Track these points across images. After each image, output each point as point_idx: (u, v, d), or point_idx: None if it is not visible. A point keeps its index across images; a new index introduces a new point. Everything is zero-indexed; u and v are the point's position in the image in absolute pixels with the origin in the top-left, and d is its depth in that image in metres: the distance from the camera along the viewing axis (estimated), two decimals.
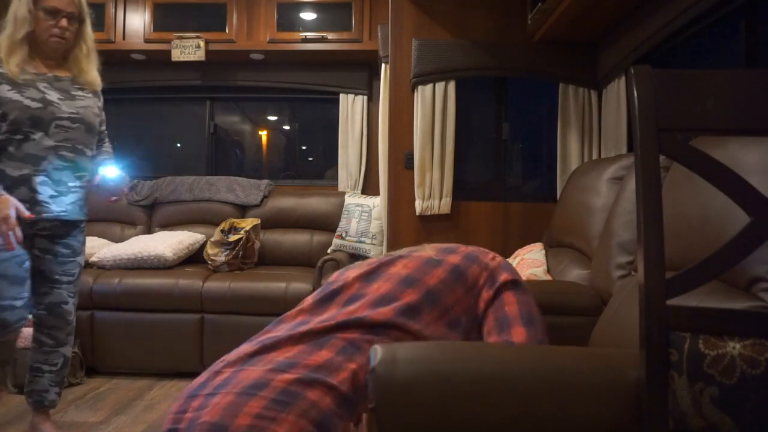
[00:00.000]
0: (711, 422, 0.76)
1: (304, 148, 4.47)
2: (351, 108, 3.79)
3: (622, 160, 1.93)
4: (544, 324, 1.16)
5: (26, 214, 1.79)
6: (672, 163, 1.34)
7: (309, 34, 3.60)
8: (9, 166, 1.87)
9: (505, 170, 3.02)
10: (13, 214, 1.75)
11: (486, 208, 2.84)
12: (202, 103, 4.07)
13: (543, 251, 2.31)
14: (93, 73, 2.06)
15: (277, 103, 4.39)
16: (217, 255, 3.23)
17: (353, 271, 1.20)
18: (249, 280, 3.01)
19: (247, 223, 3.38)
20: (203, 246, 3.38)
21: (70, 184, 1.97)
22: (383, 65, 3.09)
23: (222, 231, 3.30)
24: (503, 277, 1.19)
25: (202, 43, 3.56)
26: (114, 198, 2.02)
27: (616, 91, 2.44)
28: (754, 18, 1.77)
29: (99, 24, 3.55)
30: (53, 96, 1.94)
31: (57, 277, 2.01)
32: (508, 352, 0.90)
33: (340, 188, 3.80)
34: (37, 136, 1.89)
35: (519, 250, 2.44)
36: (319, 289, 1.18)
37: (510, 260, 2.37)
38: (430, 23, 2.79)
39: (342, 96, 3.80)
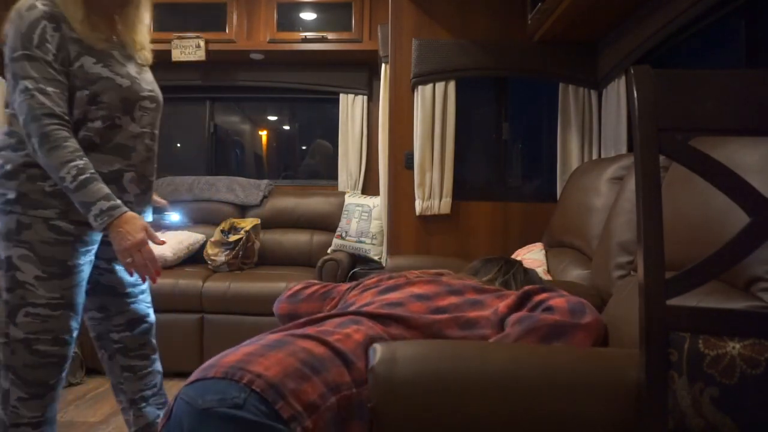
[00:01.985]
0: (711, 422, 0.76)
1: (304, 148, 4.47)
2: (351, 108, 3.79)
3: (622, 160, 1.93)
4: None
5: (158, 240, 1.41)
6: (672, 163, 1.34)
7: (309, 34, 3.60)
8: (97, 161, 1.42)
9: (505, 170, 3.02)
10: (146, 238, 1.38)
11: (486, 208, 2.83)
12: (202, 103, 4.07)
13: (543, 251, 2.31)
14: (147, 40, 1.61)
15: (277, 103, 4.39)
16: (217, 255, 3.23)
17: (370, 284, 1.26)
18: (249, 280, 3.01)
19: (247, 223, 3.38)
20: (203, 246, 3.37)
21: (150, 178, 1.59)
22: (383, 65, 3.09)
23: (222, 231, 3.30)
24: (527, 288, 1.19)
25: (202, 43, 3.56)
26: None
27: (616, 91, 2.44)
28: (754, 18, 1.77)
29: None
30: (132, 69, 1.52)
31: (128, 290, 1.60)
32: (507, 352, 0.90)
33: (340, 188, 3.80)
34: (125, 121, 1.48)
35: (519, 250, 2.44)
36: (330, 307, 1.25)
37: None
38: (430, 23, 2.79)
39: (342, 96, 3.80)
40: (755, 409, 0.74)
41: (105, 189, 1.36)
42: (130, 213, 1.38)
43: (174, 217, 1.77)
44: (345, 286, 1.37)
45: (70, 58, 1.39)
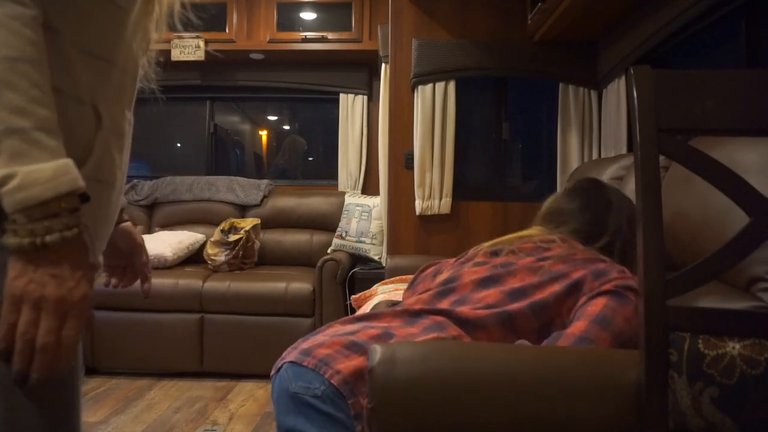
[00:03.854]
0: (711, 422, 0.76)
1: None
2: (351, 108, 3.79)
3: (622, 160, 1.93)
4: (621, 336, 1.01)
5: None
6: (672, 163, 1.34)
7: (309, 34, 3.60)
8: None
9: (505, 170, 3.02)
10: None
11: (486, 208, 2.83)
12: (202, 103, 4.07)
13: None
14: None
15: (277, 103, 4.39)
16: (217, 255, 3.23)
17: (470, 270, 1.20)
18: (249, 280, 3.01)
19: (247, 223, 3.38)
20: (203, 246, 3.37)
21: None
22: (383, 65, 3.09)
23: (222, 231, 3.30)
24: (606, 286, 1.07)
25: (202, 43, 3.56)
26: None
27: (616, 91, 2.44)
28: (754, 18, 1.77)
29: None
30: None
31: None
32: (507, 353, 0.90)
33: (340, 188, 3.80)
34: None
35: None
36: (439, 282, 1.21)
37: None
38: (430, 23, 2.79)
39: (342, 96, 3.80)
40: (755, 409, 0.74)
41: None
42: None
43: None
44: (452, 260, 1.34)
45: None
